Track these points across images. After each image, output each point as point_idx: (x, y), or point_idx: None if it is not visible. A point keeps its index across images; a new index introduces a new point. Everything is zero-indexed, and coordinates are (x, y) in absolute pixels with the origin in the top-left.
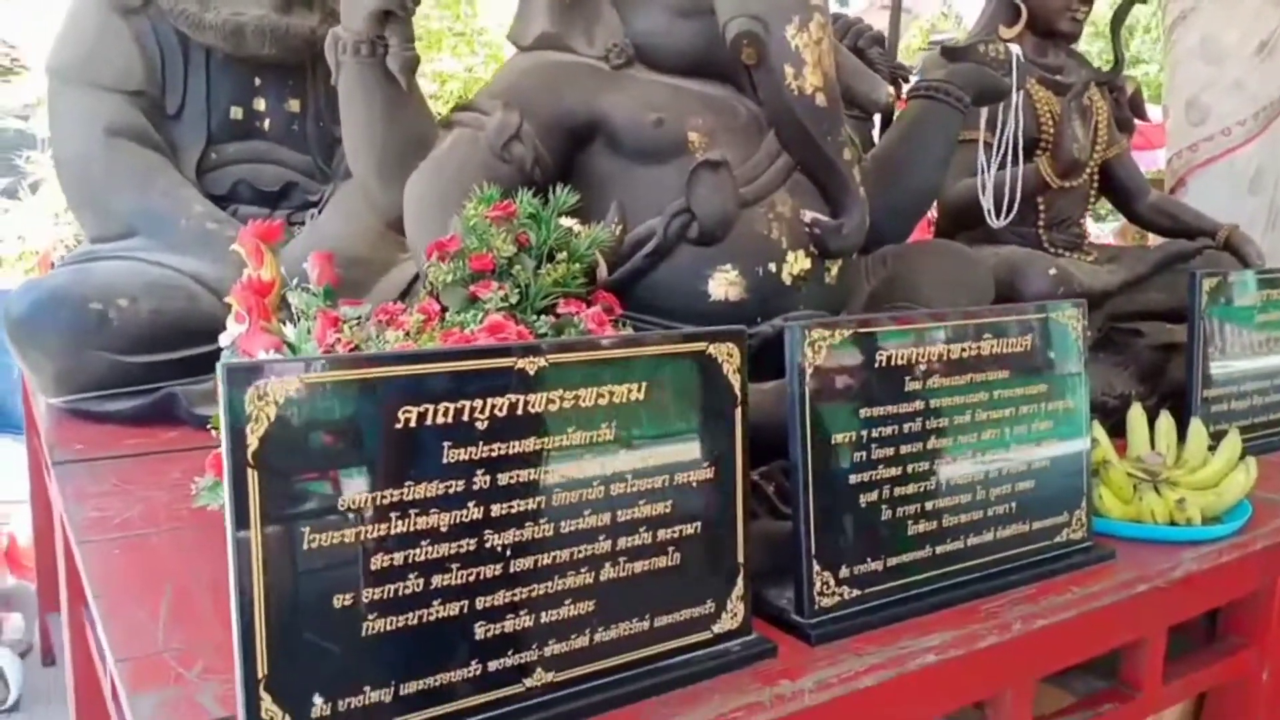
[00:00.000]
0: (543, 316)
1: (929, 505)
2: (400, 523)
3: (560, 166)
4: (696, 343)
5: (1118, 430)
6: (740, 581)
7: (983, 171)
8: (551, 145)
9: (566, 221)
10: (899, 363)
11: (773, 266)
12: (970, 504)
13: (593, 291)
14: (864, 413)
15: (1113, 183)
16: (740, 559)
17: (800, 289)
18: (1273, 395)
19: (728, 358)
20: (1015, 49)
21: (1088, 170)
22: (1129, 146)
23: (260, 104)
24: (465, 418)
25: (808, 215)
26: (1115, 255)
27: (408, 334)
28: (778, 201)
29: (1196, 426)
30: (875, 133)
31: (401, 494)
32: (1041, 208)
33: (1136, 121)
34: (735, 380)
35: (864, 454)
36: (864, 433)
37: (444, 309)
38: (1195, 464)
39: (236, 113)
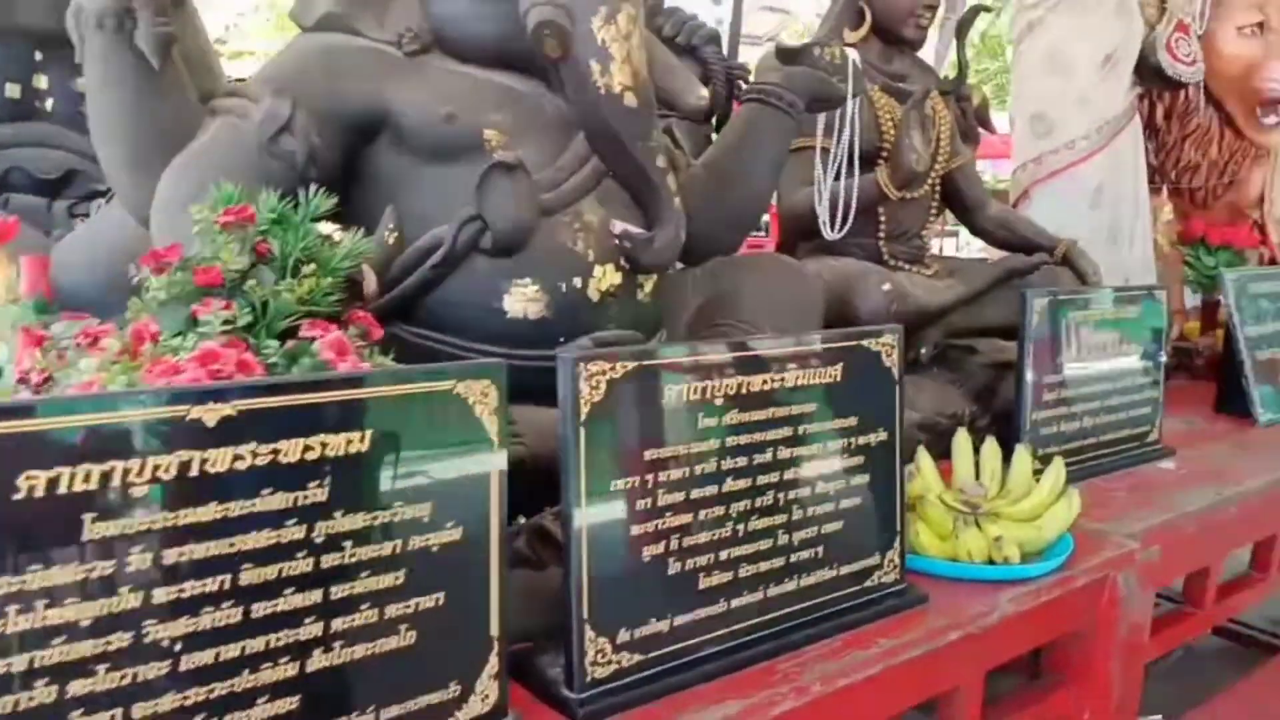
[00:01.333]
0: (284, 341)
1: (723, 555)
2: (23, 618)
3: (341, 164)
4: (440, 380)
5: (950, 452)
6: (494, 658)
7: (819, 180)
8: (330, 139)
9: (325, 228)
10: (691, 398)
11: (578, 281)
12: (771, 551)
13: (350, 311)
14: (649, 455)
15: (954, 194)
16: (494, 630)
17: (610, 306)
18: (1104, 416)
19: (481, 398)
20: (853, 53)
21: (929, 181)
22: (972, 158)
23: (42, 81)
24: (116, 482)
25: (617, 226)
26: (956, 269)
27: (113, 361)
28: (585, 210)
29: (1021, 454)
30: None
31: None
32: (882, 219)
33: (985, 132)
34: (491, 424)
35: (649, 501)
36: (649, 477)
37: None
38: (1018, 494)
39: (13, 90)
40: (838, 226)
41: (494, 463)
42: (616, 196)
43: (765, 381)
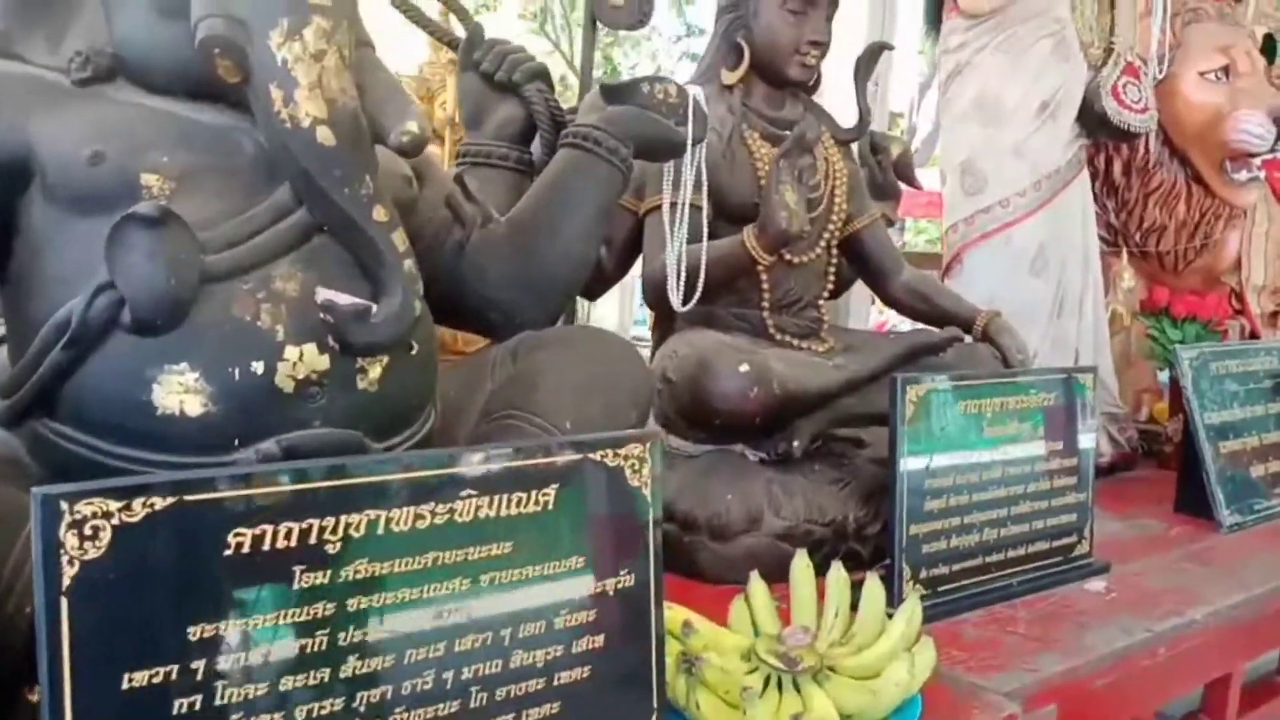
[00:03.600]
0: None
1: None
2: None
3: None
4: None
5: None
6: None
7: (667, 243)
8: None
9: None
10: (280, 544)
11: (258, 366)
12: None
13: None
14: (195, 633)
15: (860, 258)
16: None
17: (314, 398)
18: (1013, 527)
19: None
20: (694, 90)
21: (823, 242)
22: (883, 216)
23: None
24: None
25: (322, 294)
26: (854, 345)
27: None
28: (279, 274)
29: (872, 587)
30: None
31: None
32: (765, 286)
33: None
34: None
35: (189, 702)
36: (195, 666)
37: None
38: (865, 640)
39: None
40: (683, 297)
41: None
42: (332, 258)
43: (411, 518)
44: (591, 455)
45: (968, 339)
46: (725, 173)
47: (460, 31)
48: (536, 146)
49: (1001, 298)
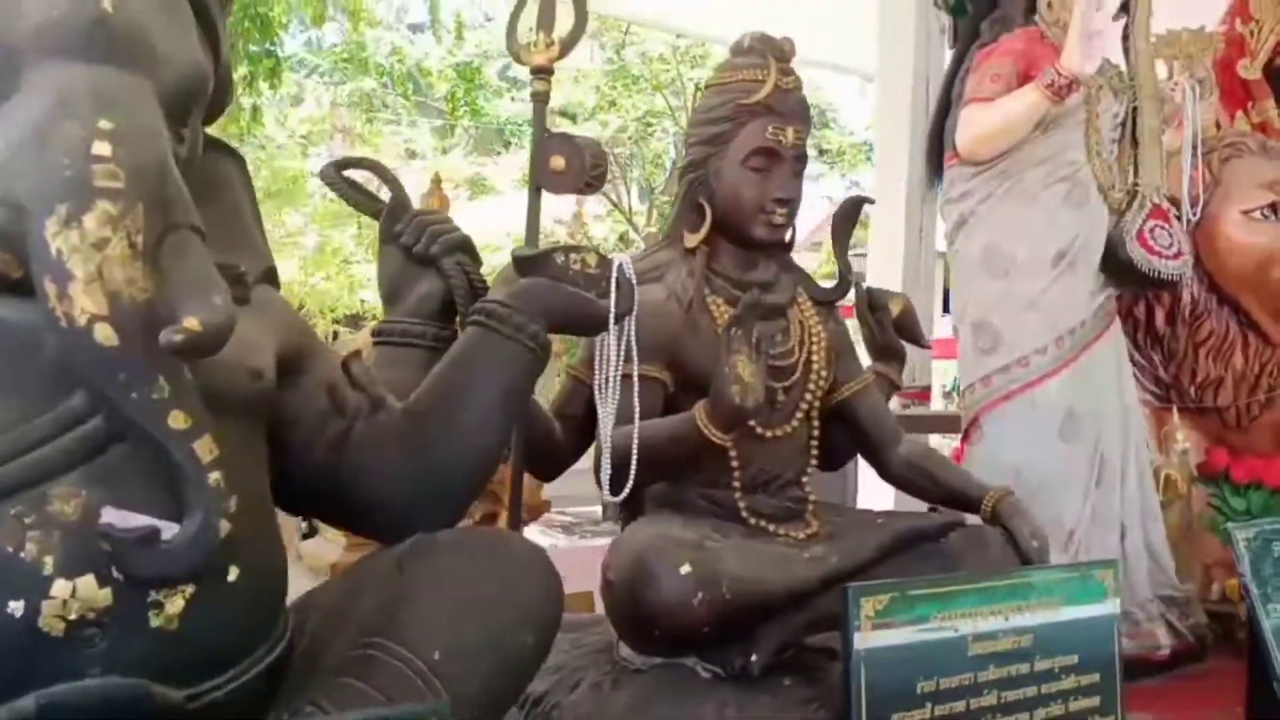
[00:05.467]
0: None
1: None
2: None
3: None
4: None
5: None
6: None
7: (600, 422)
8: None
9: None
10: None
11: (16, 607)
12: None
13: None
14: None
15: (852, 427)
16: None
17: (92, 642)
18: None
19: None
20: (620, 259)
21: (801, 412)
22: (884, 378)
23: None
24: None
25: (107, 515)
26: (839, 531)
27: None
28: (56, 494)
29: None
30: None
31: None
32: (735, 464)
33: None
34: None
35: None
36: None
37: None
38: None
39: None
40: (611, 484)
41: None
42: (135, 472)
43: None
44: None
45: (975, 520)
46: (687, 341)
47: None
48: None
49: (1029, 467)
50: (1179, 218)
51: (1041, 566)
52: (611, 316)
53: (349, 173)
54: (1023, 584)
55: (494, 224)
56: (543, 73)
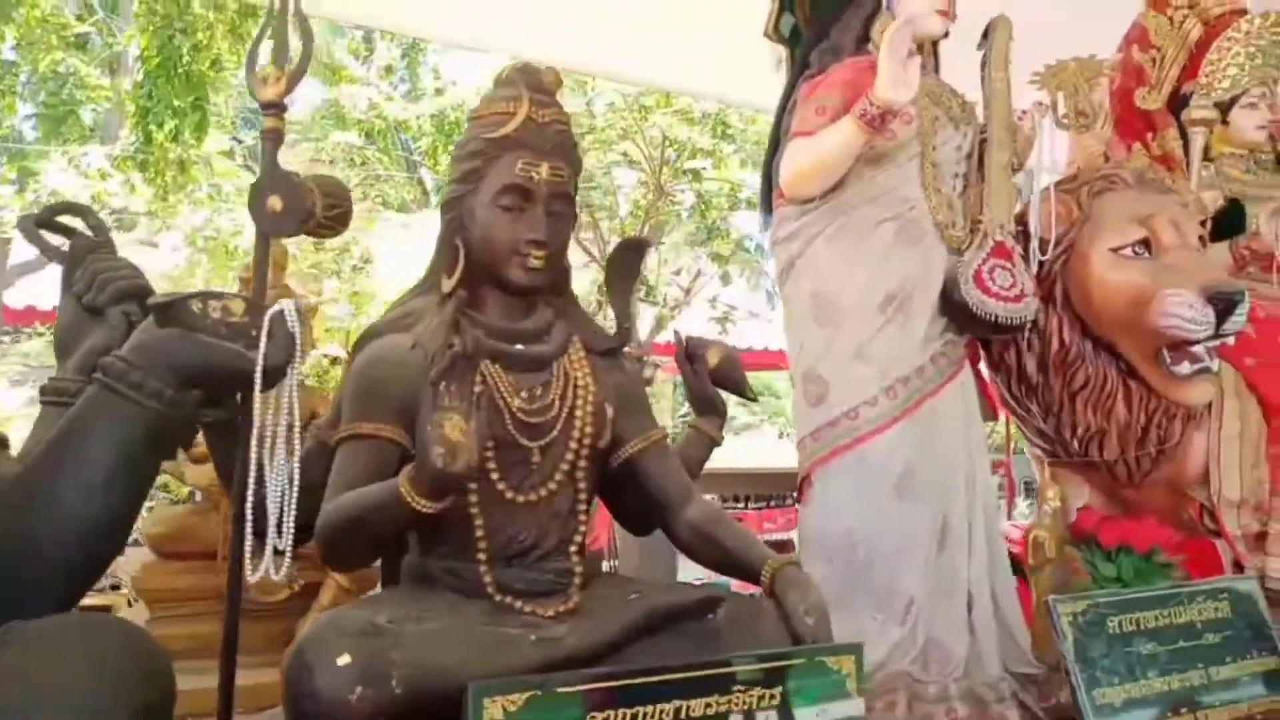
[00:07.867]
0: None
1: None
2: None
3: None
4: None
5: None
6: None
7: (267, 484)
8: None
9: None
10: None
11: None
12: None
13: None
14: None
15: (638, 488)
16: None
17: None
18: None
19: None
20: (284, 304)
21: (560, 474)
22: (695, 435)
23: None
24: None
25: None
26: (594, 608)
27: None
28: None
29: None
30: None
31: None
32: (480, 533)
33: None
34: None
35: None
36: None
37: None
38: None
39: None
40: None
41: None
42: None
43: None
44: None
45: (756, 592)
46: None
47: None
48: None
49: (860, 529)
50: (1025, 258)
51: (757, 652)
52: (259, 370)
53: (65, 219)
54: (721, 675)
55: None
56: (273, 108)
